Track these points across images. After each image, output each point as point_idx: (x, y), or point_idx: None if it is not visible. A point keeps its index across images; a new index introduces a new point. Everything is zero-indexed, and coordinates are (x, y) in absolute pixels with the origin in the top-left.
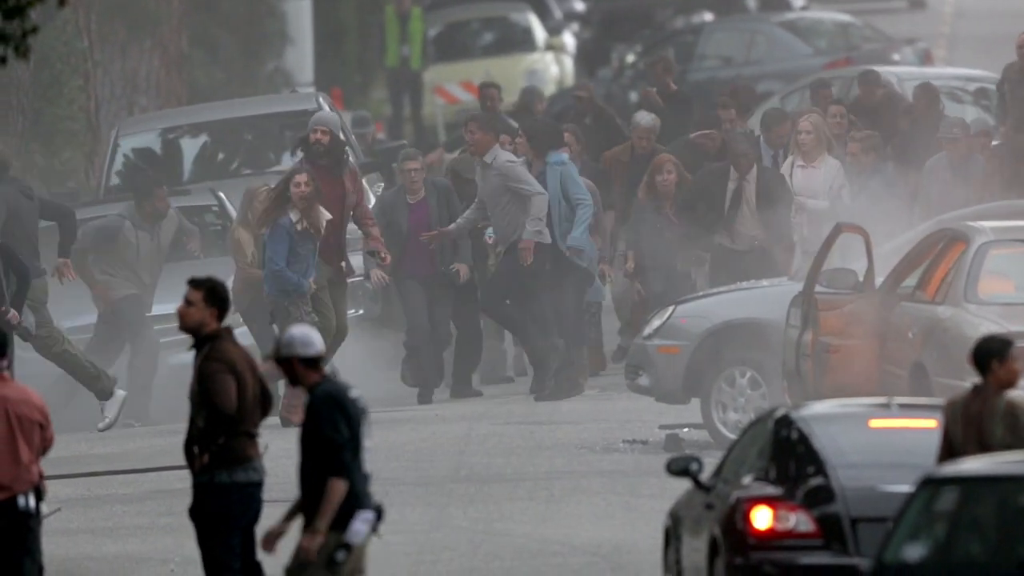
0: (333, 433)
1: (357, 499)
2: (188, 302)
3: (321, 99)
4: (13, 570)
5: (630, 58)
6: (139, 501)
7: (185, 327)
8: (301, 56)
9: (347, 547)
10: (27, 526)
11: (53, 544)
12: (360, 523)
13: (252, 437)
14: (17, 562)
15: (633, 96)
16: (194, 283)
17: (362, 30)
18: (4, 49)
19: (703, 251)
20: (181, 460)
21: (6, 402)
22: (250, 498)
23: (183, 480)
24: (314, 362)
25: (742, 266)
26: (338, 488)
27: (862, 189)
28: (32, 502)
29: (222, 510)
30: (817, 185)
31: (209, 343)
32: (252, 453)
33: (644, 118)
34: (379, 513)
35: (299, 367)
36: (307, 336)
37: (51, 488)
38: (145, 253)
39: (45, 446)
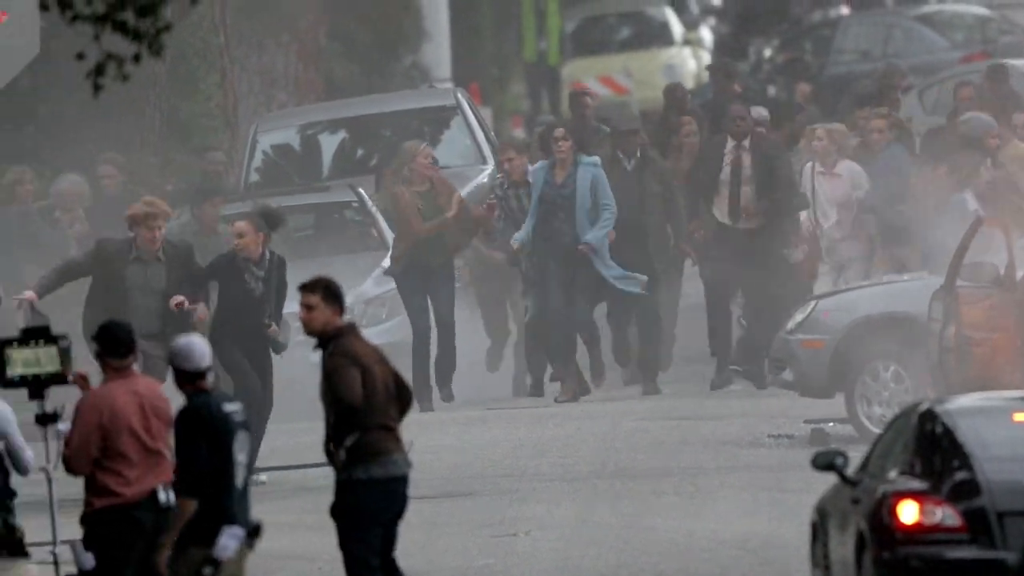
0: (186, 452)
1: (225, 515)
2: (308, 307)
3: (459, 94)
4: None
5: (767, 52)
6: (285, 498)
7: (310, 331)
8: (438, 51)
9: (215, 563)
10: (167, 520)
11: None
12: (227, 538)
13: (389, 430)
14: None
15: (771, 90)
16: (307, 287)
17: (499, 25)
18: (138, 47)
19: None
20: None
21: (140, 397)
22: (391, 494)
23: (328, 477)
24: (188, 376)
25: (745, 245)
26: (185, 507)
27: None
28: (172, 497)
29: (360, 506)
30: (840, 192)
31: (333, 341)
32: (390, 447)
33: (757, 111)
34: (255, 530)
35: (177, 377)
36: (187, 348)
37: None
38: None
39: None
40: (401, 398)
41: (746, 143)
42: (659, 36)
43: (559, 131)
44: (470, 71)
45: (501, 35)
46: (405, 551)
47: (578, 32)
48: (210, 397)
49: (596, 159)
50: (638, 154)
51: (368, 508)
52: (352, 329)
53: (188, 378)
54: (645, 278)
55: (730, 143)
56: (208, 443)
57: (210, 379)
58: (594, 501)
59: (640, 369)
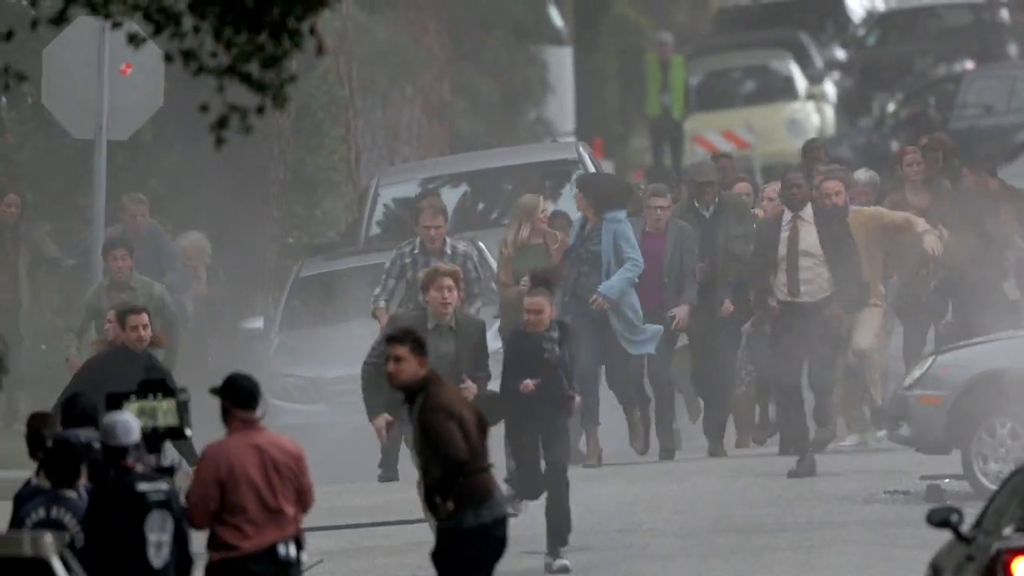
0: (94, 531)
1: None
2: (397, 359)
3: (581, 148)
4: None
5: (891, 107)
6: (401, 553)
7: (400, 384)
8: (562, 105)
9: None
10: (287, 574)
11: None
12: None
13: (487, 471)
14: None
15: (894, 145)
16: (396, 339)
17: (623, 79)
18: (262, 99)
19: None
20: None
21: (261, 450)
22: (496, 539)
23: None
24: (110, 452)
25: (809, 322)
26: None
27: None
28: (293, 551)
29: (469, 553)
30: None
31: (422, 391)
32: (492, 488)
33: (862, 174)
34: None
35: (103, 453)
36: (111, 425)
37: (313, 540)
38: None
39: (304, 499)
40: (484, 431)
41: (804, 213)
42: (783, 90)
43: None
44: (593, 125)
45: (625, 89)
46: None
47: (702, 86)
48: (128, 475)
49: (621, 214)
50: (716, 201)
51: (475, 555)
52: (437, 378)
53: (110, 455)
54: (660, 329)
55: (787, 215)
56: (120, 522)
57: (131, 457)
58: (708, 557)
59: (706, 429)
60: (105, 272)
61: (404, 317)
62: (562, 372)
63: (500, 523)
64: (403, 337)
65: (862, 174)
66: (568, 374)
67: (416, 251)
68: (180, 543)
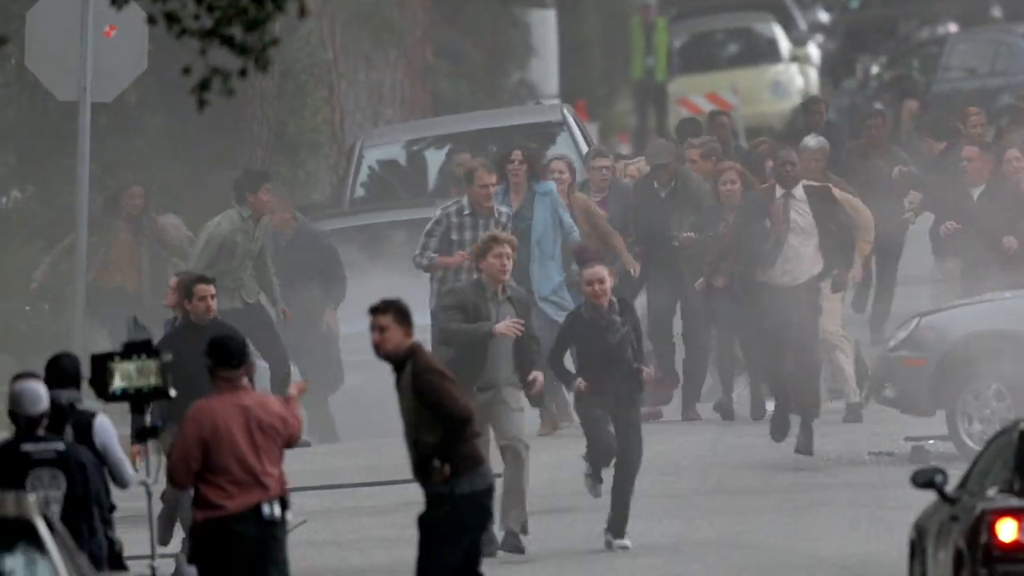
0: None
1: None
2: (381, 328)
3: (565, 111)
4: None
5: (875, 69)
6: (385, 513)
7: (386, 354)
8: (545, 67)
9: None
10: (273, 535)
11: (299, 555)
12: None
13: (479, 436)
14: (263, 570)
15: (878, 107)
16: (379, 309)
17: (607, 41)
18: (244, 61)
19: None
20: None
21: (246, 410)
22: (485, 507)
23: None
24: (13, 418)
25: (789, 306)
26: None
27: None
28: (277, 511)
29: (459, 519)
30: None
31: (409, 360)
32: (482, 454)
33: (811, 141)
34: None
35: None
36: (18, 392)
37: (297, 500)
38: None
39: (290, 442)
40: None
41: (797, 191)
42: (767, 53)
43: (516, 153)
44: (577, 88)
45: (608, 52)
46: (504, 567)
47: (686, 49)
48: (17, 437)
49: (551, 184)
50: (672, 184)
51: (464, 522)
52: (421, 347)
53: (16, 422)
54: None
55: (779, 192)
56: (4, 481)
57: (41, 425)
58: (694, 518)
59: (683, 393)
60: (242, 209)
61: (458, 289)
62: (629, 348)
63: (489, 492)
64: (386, 308)
65: (811, 140)
66: (636, 349)
67: (466, 212)
68: (88, 499)
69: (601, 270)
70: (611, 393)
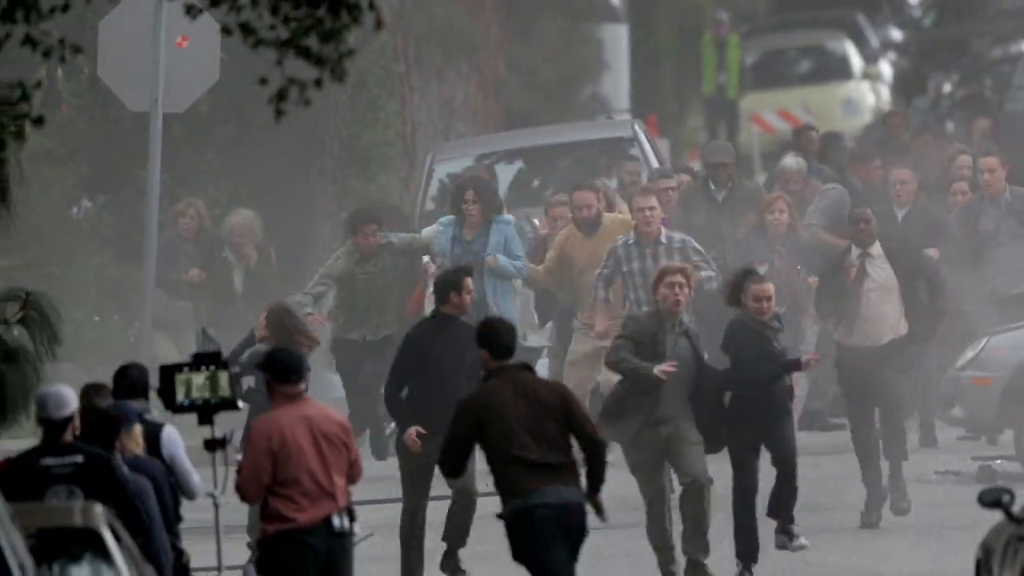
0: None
1: None
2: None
3: (636, 126)
4: None
5: (947, 88)
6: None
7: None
8: (617, 82)
9: None
10: (342, 547)
11: (364, 571)
12: None
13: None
14: None
15: (949, 126)
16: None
17: (679, 57)
18: (320, 72)
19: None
20: (491, 486)
21: (310, 421)
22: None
23: (497, 506)
24: (43, 423)
25: (870, 364)
26: None
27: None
28: (347, 523)
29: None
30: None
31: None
32: None
33: (789, 161)
34: None
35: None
36: (43, 397)
37: (362, 514)
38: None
39: (353, 470)
40: None
41: (873, 250)
42: (838, 70)
43: (469, 193)
44: (649, 103)
45: (680, 68)
46: None
47: (758, 65)
48: (39, 448)
49: (509, 217)
50: (729, 185)
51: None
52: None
53: (43, 426)
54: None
55: (855, 251)
56: (22, 495)
57: (67, 430)
58: (760, 536)
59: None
60: (354, 245)
61: (638, 318)
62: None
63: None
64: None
65: (789, 160)
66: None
67: (631, 242)
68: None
69: (770, 288)
70: (767, 411)
